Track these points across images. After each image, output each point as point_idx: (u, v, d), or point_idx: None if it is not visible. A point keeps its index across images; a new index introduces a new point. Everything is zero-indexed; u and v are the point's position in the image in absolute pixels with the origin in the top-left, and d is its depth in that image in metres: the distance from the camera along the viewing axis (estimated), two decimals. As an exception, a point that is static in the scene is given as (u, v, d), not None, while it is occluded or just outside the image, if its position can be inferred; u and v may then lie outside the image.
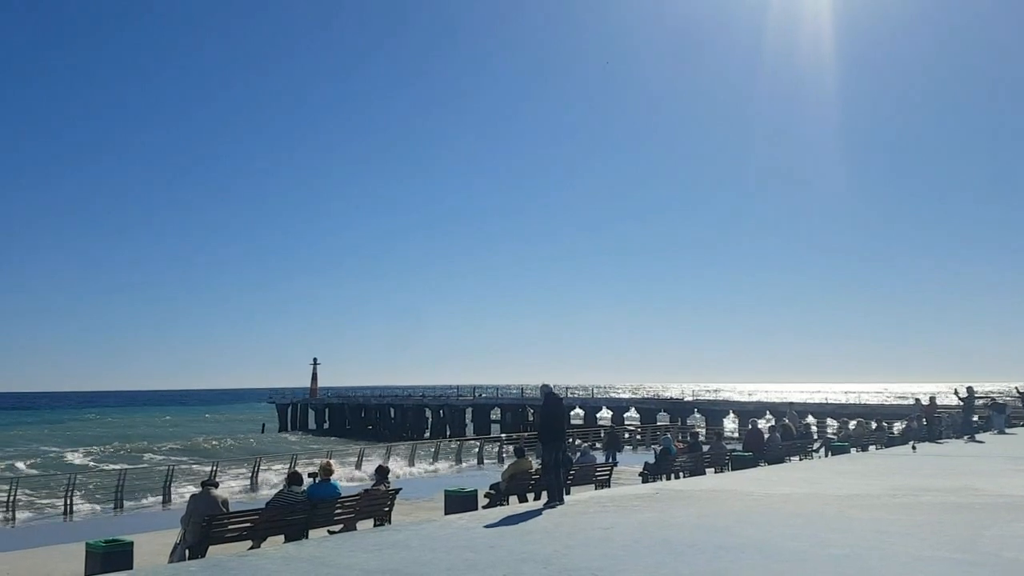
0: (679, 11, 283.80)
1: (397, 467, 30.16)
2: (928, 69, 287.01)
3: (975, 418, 30.90)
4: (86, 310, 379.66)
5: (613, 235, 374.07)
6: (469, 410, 74.04)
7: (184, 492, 22.57)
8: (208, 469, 25.24)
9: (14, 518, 20.09)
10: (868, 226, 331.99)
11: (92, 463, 47.71)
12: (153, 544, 12.50)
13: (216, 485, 12.04)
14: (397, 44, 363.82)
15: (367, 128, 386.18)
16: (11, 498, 20.33)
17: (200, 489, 11.78)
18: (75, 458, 51.07)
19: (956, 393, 30.87)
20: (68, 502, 21.27)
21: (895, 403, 54.74)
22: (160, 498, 23.37)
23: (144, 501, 23.54)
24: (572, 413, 59.97)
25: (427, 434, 68.07)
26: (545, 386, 13.40)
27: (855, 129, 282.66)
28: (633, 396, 79.43)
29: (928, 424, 29.27)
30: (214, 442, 65.32)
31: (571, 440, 27.18)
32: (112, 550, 9.35)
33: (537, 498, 15.46)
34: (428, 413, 77.65)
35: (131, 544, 9.57)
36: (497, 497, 15.66)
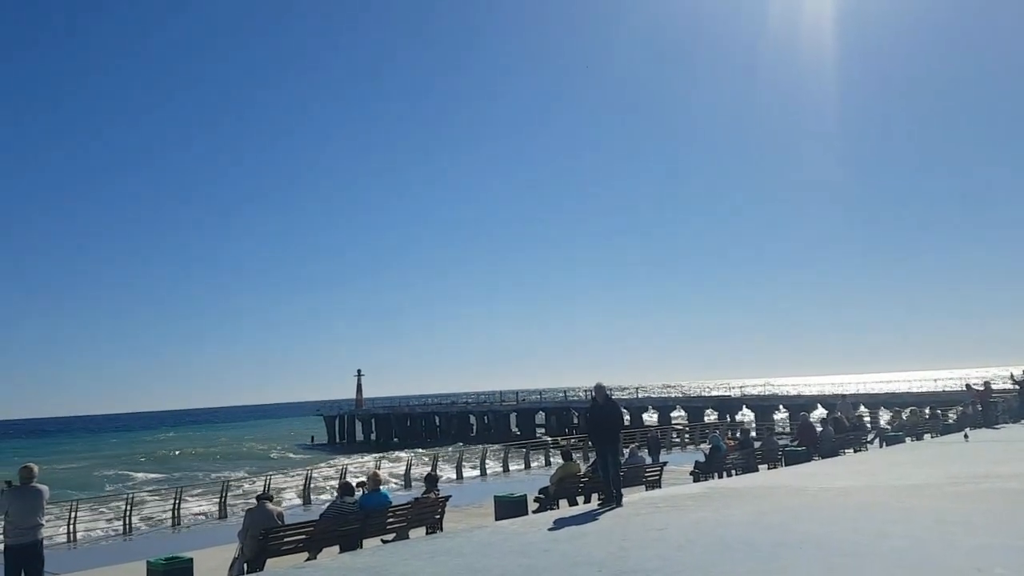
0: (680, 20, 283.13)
1: (445, 474, 30.22)
2: (927, 67, 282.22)
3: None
4: (142, 333, 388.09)
5: (655, 237, 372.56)
6: (513, 415, 74.04)
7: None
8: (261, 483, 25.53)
9: (75, 538, 20.50)
10: (907, 216, 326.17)
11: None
12: (212, 559, 12.68)
13: (271, 499, 12.19)
14: (414, 51, 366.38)
15: (396, 133, 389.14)
16: (72, 517, 20.73)
17: (256, 503, 11.94)
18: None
19: (1012, 377, 30.13)
20: (127, 520, 21.66)
21: (949, 389, 53.45)
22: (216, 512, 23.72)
23: (201, 517, 23.95)
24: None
25: (473, 440, 68.27)
26: (599, 386, 12.76)
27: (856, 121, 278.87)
28: (680, 396, 78.69)
29: (984, 410, 28.57)
30: (273, 454, 67.35)
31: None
32: (173, 567, 9.51)
33: (587, 501, 15.38)
34: (472, 419, 77.86)
35: (191, 560, 9.73)
36: (547, 501, 15.61)
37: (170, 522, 22.61)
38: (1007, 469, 14.30)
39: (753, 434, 30.70)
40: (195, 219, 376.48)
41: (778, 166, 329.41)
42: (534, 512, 13.96)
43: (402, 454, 44.56)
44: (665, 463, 19.89)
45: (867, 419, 37.60)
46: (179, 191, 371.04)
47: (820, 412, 47.03)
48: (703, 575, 6.99)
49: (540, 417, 74.02)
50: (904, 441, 24.20)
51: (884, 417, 46.70)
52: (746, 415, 59.17)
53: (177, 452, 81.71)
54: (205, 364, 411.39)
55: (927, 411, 32.36)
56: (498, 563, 8.07)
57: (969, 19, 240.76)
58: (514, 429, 71.10)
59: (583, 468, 17.24)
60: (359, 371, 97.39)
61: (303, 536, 11.27)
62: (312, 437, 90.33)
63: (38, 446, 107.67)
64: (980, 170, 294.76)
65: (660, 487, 17.32)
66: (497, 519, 12.81)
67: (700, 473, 20.45)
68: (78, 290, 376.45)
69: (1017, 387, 29.65)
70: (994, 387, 31.33)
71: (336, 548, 11.46)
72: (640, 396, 74.76)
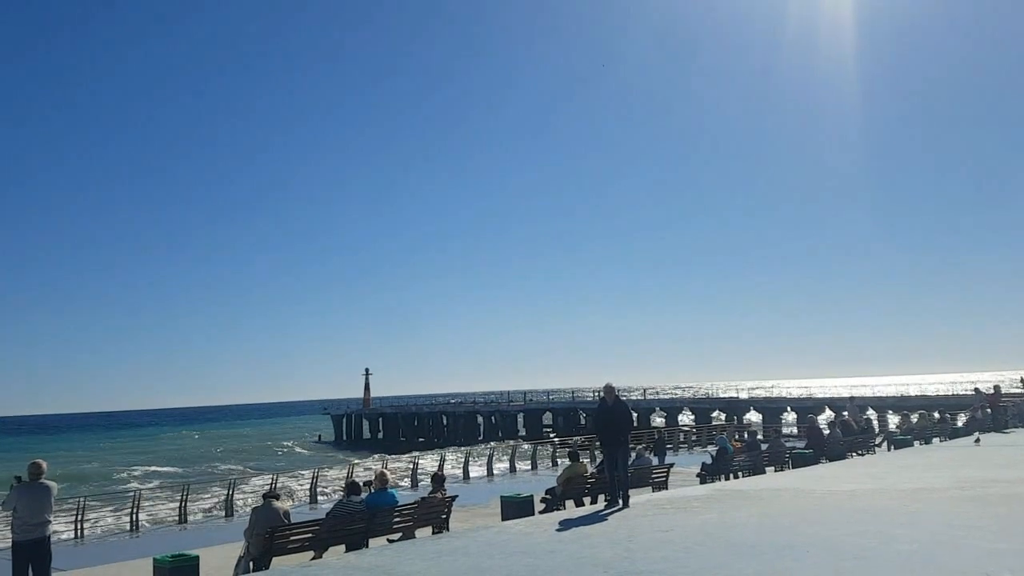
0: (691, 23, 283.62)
1: (451, 474, 30.22)
2: (947, 65, 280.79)
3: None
4: (148, 332, 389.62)
5: (665, 238, 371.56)
6: (520, 415, 74.00)
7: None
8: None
9: (83, 535, 20.58)
10: (919, 218, 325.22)
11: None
12: (218, 557, 12.70)
13: (277, 497, 12.20)
14: (418, 54, 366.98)
15: (404, 134, 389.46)
16: (79, 516, 20.82)
17: (262, 502, 11.95)
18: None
19: (1022, 381, 29.99)
20: (134, 517, 21.74)
21: (958, 393, 53.22)
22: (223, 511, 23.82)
23: (208, 515, 24.04)
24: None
25: (480, 440, 68.32)
26: (608, 386, 12.69)
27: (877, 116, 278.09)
28: (687, 396, 78.52)
29: (993, 414, 28.42)
30: (280, 452, 67.77)
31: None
32: (179, 565, 9.52)
33: (593, 502, 15.35)
34: (480, 419, 77.86)
35: (196, 558, 9.74)
36: (553, 502, 15.58)
37: (176, 519, 22.71)
38: (1016, 473, 14.22)
39: (760, 436, 30.56)
40: (200, 219, 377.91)
41: (792, 167, 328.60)
42: (540, 513, 13.95)
43: (410, 453, 44.60)
44: (672, 465, 19.83)
45: (875, 422, 37.46)
46: (186, 191, 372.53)
47: (828, 415, 46.91)
48: (709, 577, 6.97)
49: (547, 418, 73.98)
50: (912, 445, 24.08)
51: (893, 420, 46.53)
52: (754, 417, 59.02)
53: (184, 449, 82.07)
54: (212, 363, 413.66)
55: (936, 415, 32.17)
56: (504, 563, 8.07)
57: (991, 18, 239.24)
58: (521, 430, 71.10)
59: (590, 469, 17.20)
60: (367, 370, 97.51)
61: (309, 535, 11.27)
62: (319, 435, 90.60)
63: (48, 442, 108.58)
64: (998, 172, 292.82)
65: (667, 489, 17.27)
66: (503, 519, 12.79)
67: (707, 475, 20.41)
68: (92, 289, 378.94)
69: (1027, 391, 29.53)
70: (1004, 391, 31.18)
71: (342, 547, 11.47)
72: (648, 397, 74.63)
